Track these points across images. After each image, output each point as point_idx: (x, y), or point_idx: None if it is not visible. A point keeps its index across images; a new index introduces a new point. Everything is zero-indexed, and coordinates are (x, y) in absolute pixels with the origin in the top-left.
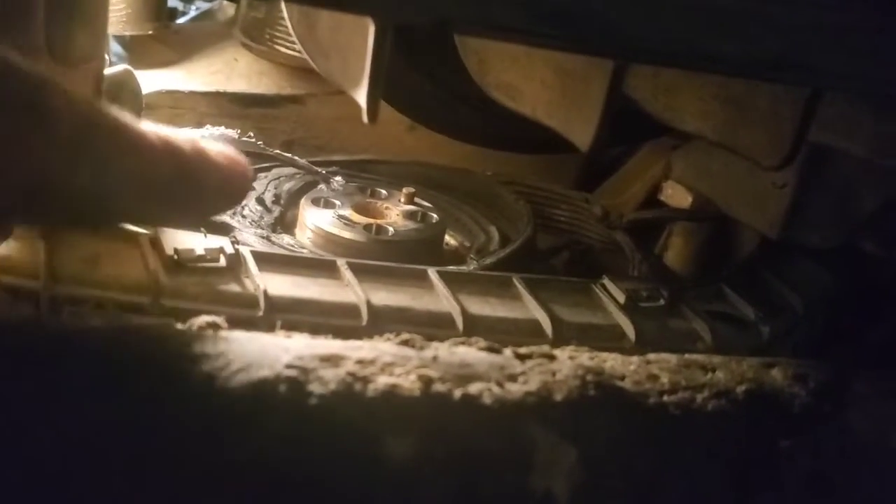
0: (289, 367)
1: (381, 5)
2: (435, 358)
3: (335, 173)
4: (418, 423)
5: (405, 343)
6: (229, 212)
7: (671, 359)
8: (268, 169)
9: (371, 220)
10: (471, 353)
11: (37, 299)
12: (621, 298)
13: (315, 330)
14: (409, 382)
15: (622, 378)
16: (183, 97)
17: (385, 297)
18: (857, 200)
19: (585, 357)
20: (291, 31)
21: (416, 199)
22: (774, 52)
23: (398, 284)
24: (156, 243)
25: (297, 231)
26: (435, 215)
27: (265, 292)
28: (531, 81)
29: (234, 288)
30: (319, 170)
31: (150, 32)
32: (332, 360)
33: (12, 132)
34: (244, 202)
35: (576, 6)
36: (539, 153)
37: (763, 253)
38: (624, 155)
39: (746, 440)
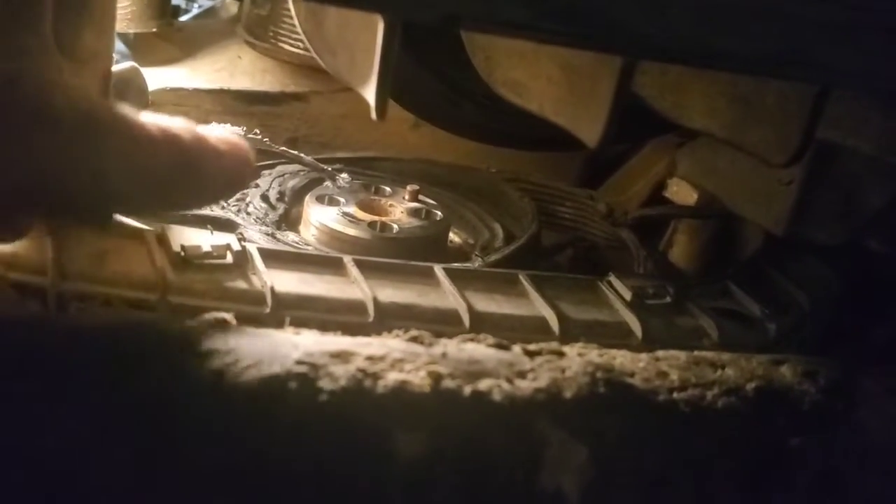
0: (299, 363)
1: (391, 2)
2: (444, 354)
3: (340, 170)
4: (428, 419)
5: (414, 340)
6: (234, 209)
7: (680, 356)
8: (272, 166)
9: (375, 218)
10: (480, 350)
11: (44, 296)
12: (628, 295)
13: (322, 326)
14: (418, 379)
15: (632, 375)
16: (187, 95)
17: (391, 293)
18: (863, 197)
19: (594, 354)
20: (298, 27)
21: (421, 197)
22: (783, 50)
23: (404, 281)
24: (163, 240)
25: (302, 228)
26: (439, 212)
27: (272, 289)
28: (538, 78)
29: (240, 285)
30: (325, 167)
31: (154, 30)
32: (341, 356)
33: (16, 133)
34: (249, 198)
35: (583, 3)
36: (544, 150)
37: (768, 250)
38: (628, 152)
39: (757, 437)
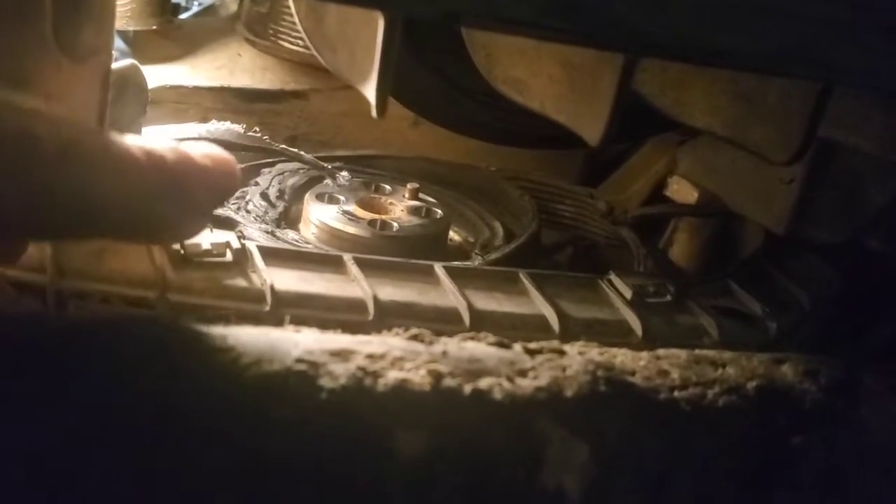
0: (299, 361)
1: None
2: (444, 353)
3: (340, 168)
4: (428, 417)
5: (414, 338)
6: (234, 207)
7: (681, 354)
8: (272, 164)
9: (375, 216)
10: (480, 348)
11: (43, 294)
12: (628, 294)
13: (322, 325)
14: (419, 377)
15: (632, 373)
16: (187, 92)
17: (391, 292)
18: (864, 196)
19: (595, 352)
20: (298, 24)
21: (421, 195)
22: (785, 47)
23: (404, 280)
24: None
25: (302, 226)
26: (439, 211)
27: (272, 287)
28: (539, 76)
29: (240, 283)
30: (325, 165)
31: (154, 27)
32: (341, 354)
33: (0, 161)
34: (249, 196)
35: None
36: (544, 148)
37: (768, 249)
38: (628, 150)
39: (758, 436)
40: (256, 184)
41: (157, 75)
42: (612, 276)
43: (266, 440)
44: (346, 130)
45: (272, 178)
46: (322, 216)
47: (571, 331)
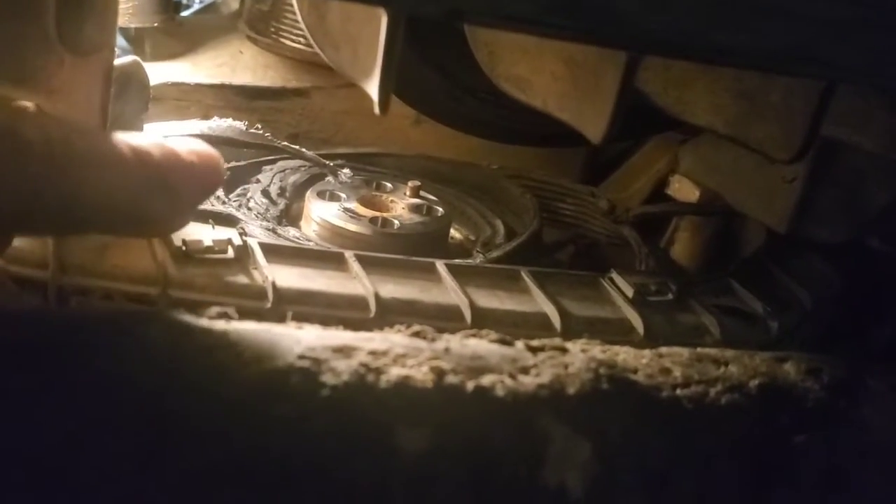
0: (301, 357)
1: None
2: (447, 350)
3: (342, 166)
4: (431, 414)
5: (417, 335)
6: (235, 204)
7: (683, 352)
8: (273, 161)
9: (377, 213)
10: (483, 346)
11: (45, 289)
12: (630, 292)
13: (323, 322)
14: (421, 374)
15: (635, 371)
16: (189, 89)
17: (393, 289)
18: (866, 195)
19: (597, 350)
20: (301, 22)
21: (422, 193)
22: (789, 45)
23: (406, 277)
24: None
25: (303, 224)
26: (440, 209)
27: (273, 284)
28: (542, 74)
29: (242, 279)
30: (327, 162)
31: (156, 25)
32: (344, 351)
33: None
34: (250, 193)
35: None
36: (546, 147)
37: (770, 248)
38: (629, 149)
39: (760, 435)
40: (258, 181)
41: (159, 72)
42: (614, 275)
43: (268, 437)
44: (347, 128)
45: (273, 176)
46: (323, 213)
47: (573, 329)
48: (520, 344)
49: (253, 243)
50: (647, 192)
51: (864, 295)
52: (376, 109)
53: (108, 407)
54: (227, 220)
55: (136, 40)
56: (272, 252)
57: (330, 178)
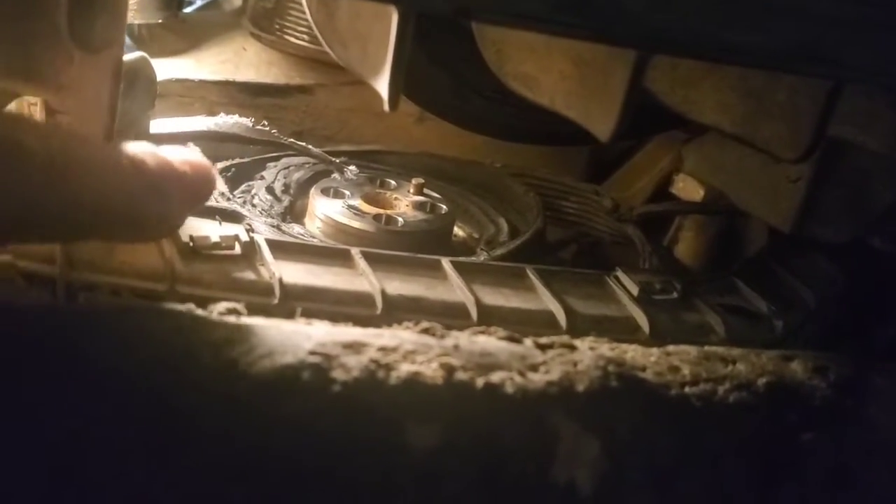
0: (312, 353)
1: None
2: (456, 346)
3: (347, 163)
4: (441, 411)
5: (426, 331)
6: (240, 201)
7: (691, 351)
8: (278, 158)
9: (381, 211)
10: (491, 343)
11: (53, 285)
12: (635, 291)
13: (330, 318)
14: (431, 370)
15: (643, 369)
16: (193, 86)
17: (399, 286)
18: (870, 195)
19: (606, 348)
20: (309, 18)
21: (426, 190)
22: (797, 44)
23: (412, 274)
24: None
25: (307, 221)
26: (444, 206)
27: (280, 280)
28: (550, 72)
29: (249, 275)
30: (333, 159)
31: (160, 21)
32: (354, 347)
33: None
34: (255, 190)
35: None
36: (551, 145)
37: (774, 247)
38: (632, 148)
39: (768, 432)
40: (262, 178)
41: (163, 69)
42: (619, 273)
43: (278, 433)
44: (351, 126)
45: (278, 173)
46: (327, 211)
47: (579, 327)
48: (528, 341)
49: (260, 240)
50: (649, 190)
51: (867, 294)
52: (386, 107)
53: (117, 403)
54: (233, 217)
55: (140, 37)
56: (279, 248)
57: (335, 175)
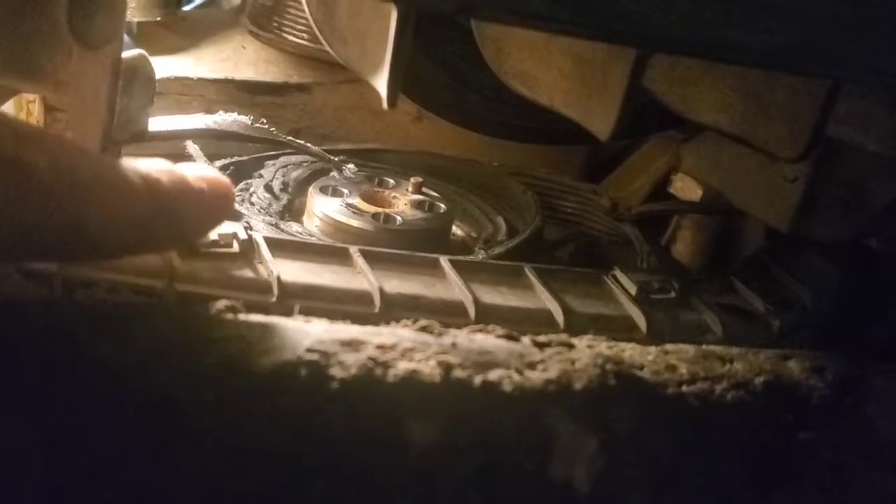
0: (310, 350)
1: None
2: (454, 344)
3: (346, 161)
4: (438, 409)
5: (424, 329)
6: (238, 199)
7: (689, 349)
8: (276, 156)
9: (379, 209)
10: (489, 341)
11: (50, 281)
12: (633, 290)
13: (328, 316)
14: (429, 368)
15: (641, 368)
16: (191, 84)
17: (397, 284)
18: (868, 195)
19: (604, 346)
20: (308, 16)
21: (424, 189)
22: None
23: (410, 272)
24: None
25: (305, 219)
26: (442, 205)
27: (279, 278)
28: (549, 71)
29: (247, 273)
30: (332, 157)
31: (158, 19)
32: (352, 344)
33: None
34: (253, 189)
35: None
36: (550, 144)
37: (772, 246)
38: (630, 148)
39: (765, 431)
40: (260, 176)
41: (162, 67)
42: (617, 272)
43: (277, 429)
44: (349, 124)
45: (276, 171)
46: (326, 209)
47: (576, 326)
48: (526, 339)
49: (258, 238)
50: (647, 190)
51: (865, 294)
52: (384, 105)
53: (115, 399)
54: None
55: (139, 35)
56: (277, 246)
57: (334, 174)
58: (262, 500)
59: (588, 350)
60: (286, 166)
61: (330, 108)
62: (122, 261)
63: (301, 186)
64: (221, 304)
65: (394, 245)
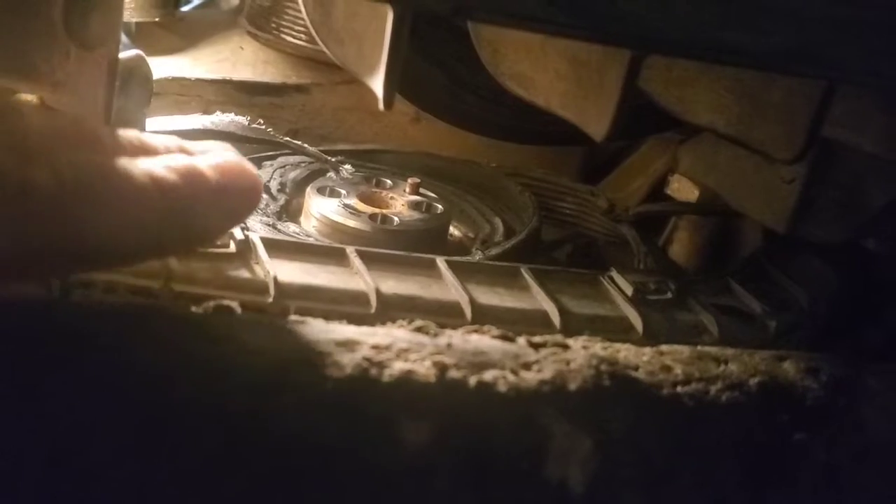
0: (306, 350)
1: None
2: (449, 345)
3: (343, 162)
4: (433, 409)
5: (419, 330)
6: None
7: (684, 350)
8: (274, 157)
9: (376, 210)
10: (485, 341)
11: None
12: (629, 291)
13: (325, 316)
14: (424, 369)
15: (636, 368)
16: (189, 84)
17: (394, 285)
18: (864, 196)
19: (599, 347)
20: (305, 17)
21: (422, 190)
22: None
23: (407, 273)
24: None
25: (303, 219)
26: (440, 206)
27: (275, 279)
28: (545, 72)
29: (244, 274)
30: (329, 158)
31: (156, 19)
32: (347, 344)
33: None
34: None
35: None
36: (547, 145)
37: (768, 248)
38: (627, 149)
39: (760, 432)
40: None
41: (160, 67)
42: (614, 273)
43: (271, 429)
44: (347, 125)
45: (273, 171)
46: (323, 210)
47: (573, 326)
48: (521, 340)
49: (255, 238)
50: (645, 191)
51: (860, 295)
52: (381, 106)
53: (112, 399)
54: None
55: (137, 35)
56: (274, 247)
57: (331, 174)
58: (255, 499)
59: (583, 351)
60: (283, 167)
61: (328, 109)
62: None
63: (298, 187)
64: (217, 304)
65: (391, 246)
